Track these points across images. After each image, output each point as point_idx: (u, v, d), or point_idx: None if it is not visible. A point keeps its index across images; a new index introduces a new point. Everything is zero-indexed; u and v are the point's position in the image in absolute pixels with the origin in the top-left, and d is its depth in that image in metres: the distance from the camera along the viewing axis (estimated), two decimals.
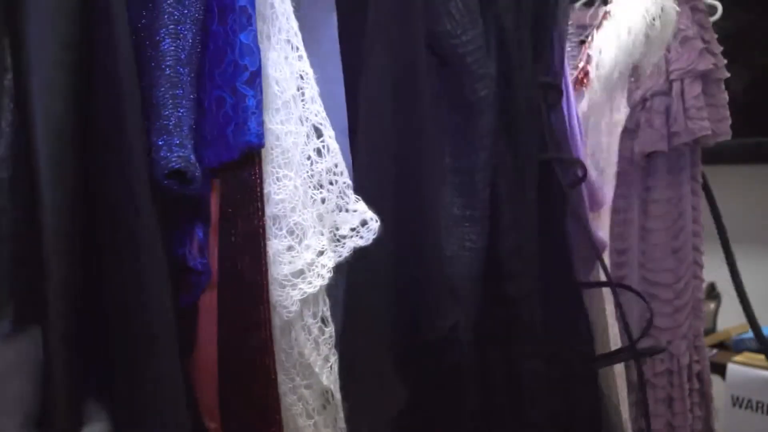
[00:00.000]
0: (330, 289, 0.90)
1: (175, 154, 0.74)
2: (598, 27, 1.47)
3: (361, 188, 0.90)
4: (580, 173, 1.23)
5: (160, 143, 0.74)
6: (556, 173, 1.15)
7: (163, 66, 0.74)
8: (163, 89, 0.74)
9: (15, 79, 0.73)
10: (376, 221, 0.88)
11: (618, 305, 1.19)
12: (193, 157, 0.76)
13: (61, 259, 0.72)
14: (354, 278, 0.92)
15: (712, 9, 1.59)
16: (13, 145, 0.74)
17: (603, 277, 1.24)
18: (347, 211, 0.88)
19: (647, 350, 1.32)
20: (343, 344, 0.92)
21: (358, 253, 0.89)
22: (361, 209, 0.88)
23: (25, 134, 0.72)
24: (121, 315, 0.77)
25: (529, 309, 1.09)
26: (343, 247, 0.88)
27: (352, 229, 0.88)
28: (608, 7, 1.44)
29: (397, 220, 0.93)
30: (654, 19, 1.35)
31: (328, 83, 0.91)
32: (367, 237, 0.88)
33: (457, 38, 1.02)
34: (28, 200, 0.72)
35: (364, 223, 0.88)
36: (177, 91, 0.74)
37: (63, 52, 0.73)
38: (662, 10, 1.36)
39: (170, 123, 0.74)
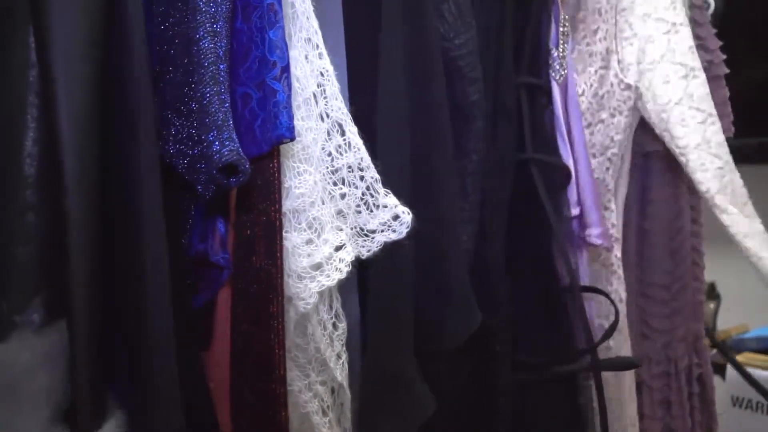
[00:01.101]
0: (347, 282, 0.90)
1: (227, 148, 0.76)
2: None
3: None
4: (564, 176, 1.24)
5: (211, 138, 0.76)
6: (533, 175, 1.16)
7: (206, 64, 0.76)
8: (208, 87, 0.76)
9: (40, 74, 0.73)
10: (409, 214, 0.88)
11: (581, 309, 1.18)
12: (241, 149, 0.77)
13: (84, 253, 0.73)
14: (379, 281, 0.93)
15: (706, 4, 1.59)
16: (39, 141, 0.74)
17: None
18: (376, 206, 0.88)
19: (608, 364, 1.26)
20: (370, 350, 0.93)
21: (382, 255, 0.90)
22: (392, 203, 0.88)
23: (50, 130, 0.72)
24: (124, 310, 0.78)
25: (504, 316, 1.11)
26: (372, 241, 0.89)
27: (383, 224, 0.88)
28: None
29: (416, 223, 0.93)
30: None
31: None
32: (400, 231, 0.88)
33: (450, 41, 1.03)
34: (54, 195, 0.72)
35: (396, 217, 0.88)
36: (220, 88, 0.76)
37: (87, 48, 0.74)
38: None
39: (218, 119, 0.76)
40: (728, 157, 1.39)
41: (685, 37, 1.37)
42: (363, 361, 0.94)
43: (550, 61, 1.24)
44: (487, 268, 1.09)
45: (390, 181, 0.91)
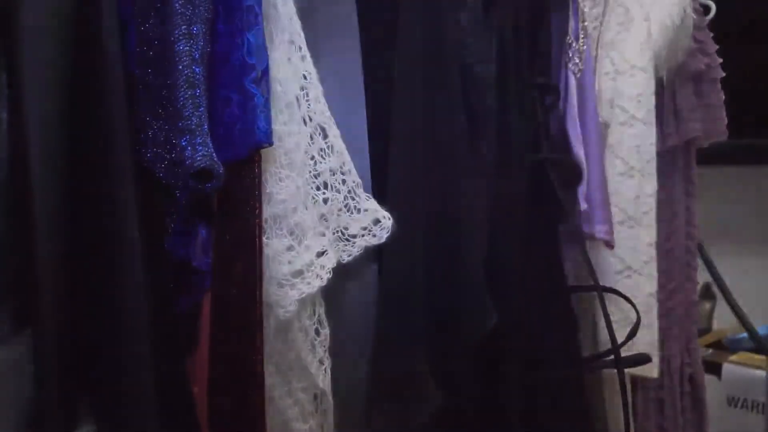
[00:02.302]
0: (332, 292, 0.90)
1: (200, 153, 0.74)
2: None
3: (394, 190, 0.92)
4: (576, 174, 1.23)
5: (183, 143, 0.74)
6: (549, 174, 1.16)
7: (180, 67, 0.74)
8: (182, 90, 0.74)
9: (9, 79, 0.72)
10: (389, 219, 0.88)
11: (604, 310, 1.18)
12: (215, 154, 0.75)
13: (51, 261, 0.72)
14: (389, 277, 0.93)
15: (707, 9, 1.59)
16: (8, 148, 0.72)
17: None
18: (357, 210, 0.88)
19: (630, 359, 1.26)
20: (376, 346, 0.93)
21: (393, 253, 0.90)
22: (373, 208, 0.88)
23: (18, 136, 0.71)
24: (98, 315, 0.77)
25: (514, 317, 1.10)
26: (353, 246, 0.88)
27: (363, 228, 0.88)
28: None
29: (431, 223, 0.94)
30: (677, 26, 1.36)
31: (347, 82, 0.93)
32: (380, 235, 0.88)
33: (466, 47, 1.03)
34: (21, 202, 0.71)
35: (377, 221, 0.88)
36: (195, 91, 0.74)
37: (57, 53, 0.73)
38: (683, 17, 1.37)
39: (192, 123, 0.74)
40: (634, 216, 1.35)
41: (638, 82, 1.31)
42: (372, 354, 0.95)
43: (570, 54, 1.23)
44: (502, 268, 1.09)
45: (405, 183, 0.92)
